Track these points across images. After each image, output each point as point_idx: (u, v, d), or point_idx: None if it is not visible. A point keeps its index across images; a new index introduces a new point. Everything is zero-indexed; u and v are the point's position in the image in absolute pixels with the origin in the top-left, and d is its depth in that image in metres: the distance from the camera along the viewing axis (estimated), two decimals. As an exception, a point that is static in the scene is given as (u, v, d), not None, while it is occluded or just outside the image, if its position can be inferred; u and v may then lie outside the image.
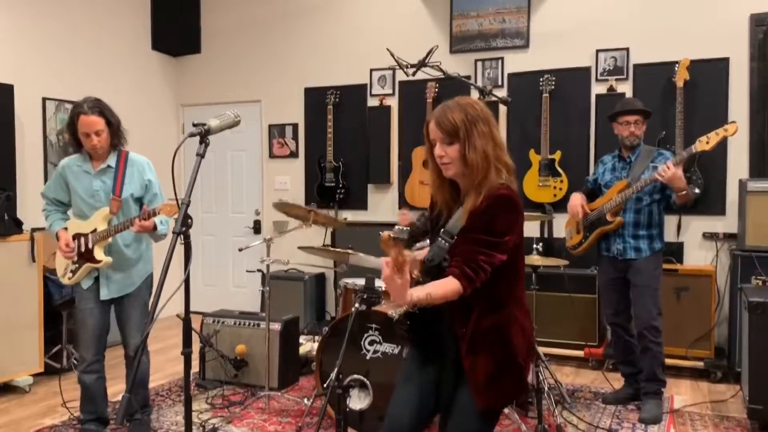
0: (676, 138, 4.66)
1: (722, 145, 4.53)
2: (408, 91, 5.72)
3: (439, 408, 2.08)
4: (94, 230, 3.20)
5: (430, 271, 1.94)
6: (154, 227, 3.14)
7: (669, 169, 3.44)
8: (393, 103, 5.83)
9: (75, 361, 4.50)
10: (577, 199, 3.90)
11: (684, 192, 3.55)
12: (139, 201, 3.32)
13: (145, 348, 3.28)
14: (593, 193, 4.01)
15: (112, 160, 3.26)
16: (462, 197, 2.01)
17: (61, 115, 5.42)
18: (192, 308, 2.07)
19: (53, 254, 3.43)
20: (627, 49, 5.03)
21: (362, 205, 5.94)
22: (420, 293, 1.78)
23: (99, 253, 3.20)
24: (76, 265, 3.26)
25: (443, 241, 1.96)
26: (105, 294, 3.26)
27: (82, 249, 3.22)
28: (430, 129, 1.97)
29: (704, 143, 3.49)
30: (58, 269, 3.36)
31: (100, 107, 3.17)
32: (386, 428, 2.06)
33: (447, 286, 1.83)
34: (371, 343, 3.38)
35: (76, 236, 3.24)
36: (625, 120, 3.77)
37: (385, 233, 1.71)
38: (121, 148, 3.29)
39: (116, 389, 3.90)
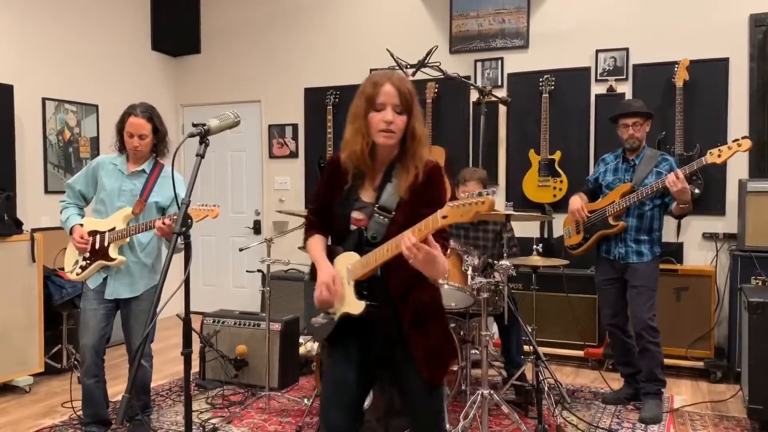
0: (675, 138, 4.66)
1: (721, 143, 4.54)
2: (408, 91, 5.71)
3: (368, 389, 2.14)
4: (113, 229, 3.21)
5: (374, 248, 1.90)
6: None
7: (679, 180, 3.40)
8: (393, 103, 5.82)
9: (75, 362, 4.51)
10: (577, 203, 3.87)
11: (686, 205, 3.53)
12: (162, 211, 3.33)
13: (148, 353, 3.32)
14: (594, 192, 4.00)
15: (147, 166, 3.33)
16: (384, 171, 1.99)
17: (60, 115, 5.42)
18: (192, 308, 2.07)
19: (63, 250, 3.43)
20: (627, 49, 5.03)
21: (362, 205, 5.93)
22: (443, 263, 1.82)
23: (114, 252, 3.21)
24: (87, 261, 3.25)
25: (381, 217, 1.94)
26: (110, 292, 3.25)
27: (97, 246, 3.22)
28: (386, 91, 1.90)
29: (715, 156, 3.40)
30: (67, 264, 3.35)
31: (151, 113, 3.27)
32: (324, 428, 2.09)
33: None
34: (371, 343, 3.37)
35: (92, 233, 3.24)
36: (624, 123, 3.77)
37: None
38: (158, 159, 3.37)
39: (117, 389, 3.90)
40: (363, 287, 1.95)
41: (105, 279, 3.26)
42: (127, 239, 3.21)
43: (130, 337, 3.32)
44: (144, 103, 3.33)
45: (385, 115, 1.89)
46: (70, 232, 3.28)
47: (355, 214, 1.99)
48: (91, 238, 3.23)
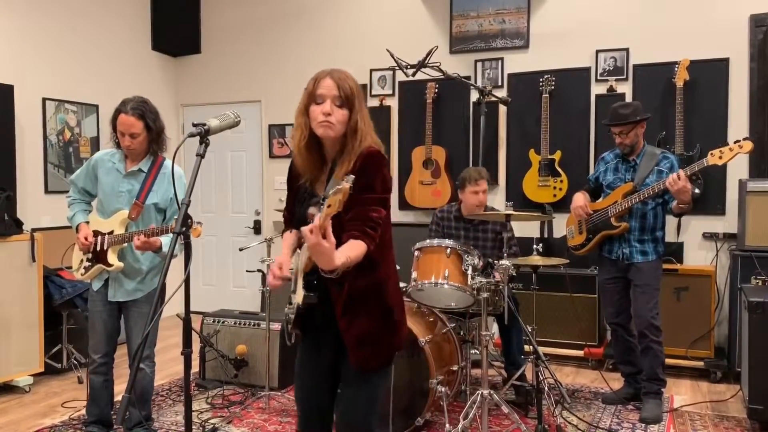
0: (675, 138, 4.66)
1: (721, 143, 4.54)
2: (408, 91, 5.72)
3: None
4: (111, 232, 3.14)
5: None
6: (159, 247, 3.07)
7: (680, 180, 3.39)
8: (393, 103, 5.83)
9: (75, 362, 4.51)
10: (580, 200, 3.87)
11: (686, 204, 3.53)
12: (163, 212, 3.24)
13: (149, 356, 3.25)
14: (596, 191, 3.99)
15: (145, 165, 3.17)
16: (330, 164, 2.04)
17: (61, 115, 5.42)
18: (192, 308, 2.07)
19: (71, 246, 3.37)
20: (627, 50, 5.03)
21: (362, 205, 5.92)
22: (341, 257, 1.75)
23: (112, 257, 3.13)
24: (90, 263, 3.21)
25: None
26: (112, 295, 3.21)
27: (98, 247, 3.15)
28: (325, 85, 1.94)
29: (717, 157, 3.39)
30: (74, 262, 3.30)
31: (142, 110, 3.05)
32: (299, 420, 2.11)
33: (358, 248, 1.83)
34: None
35: (96, 233, 3.17)
36: (611, 131, 3.78)
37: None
38: (158, 154, 3.21)
39: (120, 389, 3.90)
40: (310, 278, 1.97)
41: (107, 281, 3.22)
42: (125, 244, 3.14)
43: (131, 341, 3.27)
44: (138, 97, 3.11)
45: (323, 107, 1.93)
46: (77, 230, 3.23)
47: (311, 210, 2.04)
48: (92, 240, 3.16)
